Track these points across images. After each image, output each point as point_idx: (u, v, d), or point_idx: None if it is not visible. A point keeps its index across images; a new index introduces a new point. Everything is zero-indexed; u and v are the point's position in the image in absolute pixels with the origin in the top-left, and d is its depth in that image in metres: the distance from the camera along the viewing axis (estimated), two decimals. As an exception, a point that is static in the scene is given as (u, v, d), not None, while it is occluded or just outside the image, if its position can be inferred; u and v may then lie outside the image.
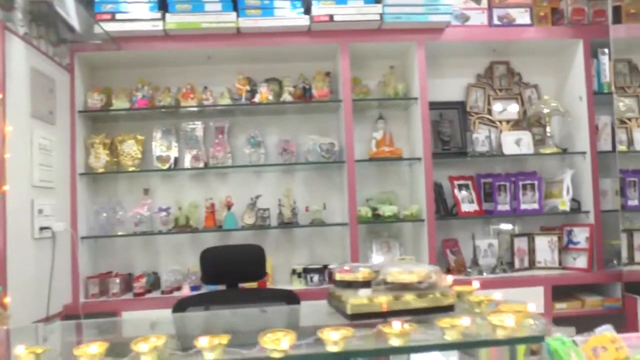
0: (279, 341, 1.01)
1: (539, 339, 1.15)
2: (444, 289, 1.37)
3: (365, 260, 3.48)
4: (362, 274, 1.44)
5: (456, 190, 3.54)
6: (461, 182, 3.58)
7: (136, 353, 1.03)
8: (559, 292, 3.43)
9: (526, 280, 3.38)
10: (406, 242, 3.64)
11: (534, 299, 3.23)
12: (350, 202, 3.33)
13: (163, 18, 3.26)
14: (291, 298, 2.56)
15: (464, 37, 3.49)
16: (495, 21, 3.52)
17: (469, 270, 3.44)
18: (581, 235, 3.56)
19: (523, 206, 3.58)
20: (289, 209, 3.46)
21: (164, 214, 3.45)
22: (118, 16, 3.25)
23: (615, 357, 1.38)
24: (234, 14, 3.27)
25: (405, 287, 1.36)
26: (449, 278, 1.59)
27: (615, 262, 3.52)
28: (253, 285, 3.05)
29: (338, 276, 1.48)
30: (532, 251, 3.62)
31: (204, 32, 3.30)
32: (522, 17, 3.54)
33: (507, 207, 3.57)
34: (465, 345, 1.12)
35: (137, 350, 1.03)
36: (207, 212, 3.45)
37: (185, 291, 3.30)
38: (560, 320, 3.34)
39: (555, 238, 3.60)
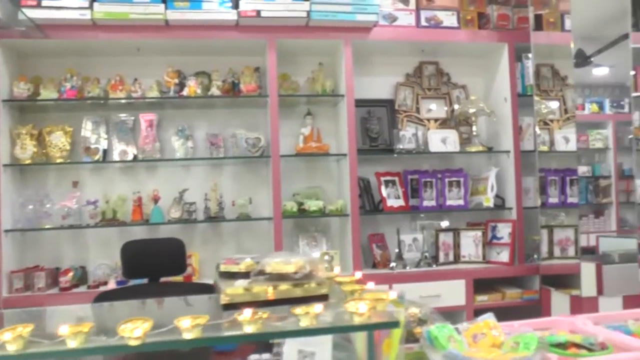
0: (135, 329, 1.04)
1: (393, 324, 1.20)
2: (319, 279, 1.41)
3: (293, 255, 3.53)
4: (244, 264, 1.47)
5: (382, 186, 3.61)
6: (388, 178, 3.66)
7: (2, 342, 1.04)
8: (482, 285, 3.56)
9: (449, 273, 3.50)
10: (333, 237, 3.70)
11: (456, 292, 3.41)
12: (275, 196, 3.37)
13: (91, 7, 3.21)
14: (209, 292, 2.58)
15: (392, 36, 3.57)
16: (423, 22, 3.62)
17: (392, 264, 3.52)
18: (504, 231, 3.71)
19: (449, 202, 3.69)
20: (215, 203, 3.47)
21: (91, 207, 3.41)
22: (44, 3, 3.18)
23: (493, 343, 1.46)
24: (162, 5, 3.25)
25: (282, 277, 1.39)
26: (336, 269, 1.64)
27: (535, 256, 3.66)
28: (178, 279, 3.05)
29: (222, 267, 1.50)
30: (457, 246, 3.74)
31: (133, 23, 3.27)
32: (449, 19, 3.65)
33: (433, 203, 3.68)
34: (320, 332, 1.16)
35: (1, 339, 1.04)
36: (135, 206, 3.43)
37: (112, 286, 3.27)
38: (481, 312, 3.46)
39: (479, 233, 3.72)
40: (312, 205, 3.43)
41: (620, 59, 3.32)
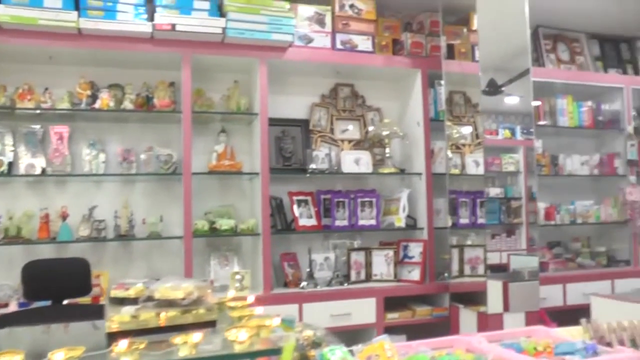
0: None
1: (273, 351, 1.22)
2: (208, 304, 1.40)
3: (203, 274, 3.48)
4: (134, 290, 1.44)
5: (295, 206, 3.63)
6: (300, 197, 3.68)
7: None
8: (394, 303, 3.64)
9: (360, 292, 3.55)
10: (244, 256, 3.67)
11: (367, 310, 3.46)
12: (186, 215, 3.31)
13: (-4, 9, 3.05)
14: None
15: (307, 57, 3.62)
16: (339, 45, 3.70)
17: (303, 283, 3.54)
18: (416, 250, 3.82)
19: (361, 222, 3.76)
20: (126, 220, 3.38)
21: (-8, 223, 3.23)
22: (-60, 0, 3.00)
23: (385, 364, 1.48)
24: (75, 13, 3.14)
25: (171, 303, 1.37)
26: (231, 292, 1.63)
27: (446, 274, 3.78)
28: (86, 300, 2.95)
29: (112, 293, 1.47)
30: (369, 264, 3.80)
31: (43, 30, 3.12)
32: (364, 44, 3.75)
33: (345, 223, 3.73)
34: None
35: None
36: (42, 223, 3.27)
37: (13, 307, 3.10)
38: (391, 329, 3.55)
39: (391, 252, 3.81)
40: (224, 224, 3.40)
41: (526, 90, 3.52)
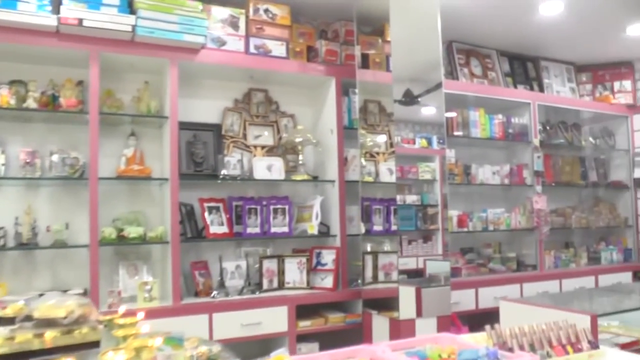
0: None
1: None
2: (92, 323, 1.33)
3: (111, 284, 3.34)
4: (12, 308, 1.34)
5: (206, 212, 3.55)
6: (212, 204, 3.61)
7: None
8: (308, 310, 3.63)
9: (271, 300, 3.51)
10: (154, 265, 3.54)
11: (278, 319, 3.42)
12: (92, 222, 3.15)
13: None
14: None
15: (220, 60, 3.55)
16: (252, 50, 3.66)
17: (215, 292, 3.46)
18: (328, 257, 3.83)
19: (273, 229, 3.73)
20: (28, 228, 3.17)
21: None
22: None
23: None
24: (-32, -1, 2.92)
25: (51, 323, 1.29)
26: (122, 308, 1.55)
27: (359, 281, 3.81)
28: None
29: None
30: (281, 272, 3.77)
31: None
32: (278, 49, 3.73)
33: (257, 230, 3.68)
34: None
35: None
36: None
37: None
38: (304, 337, 3.56)
39: (304, 259, 3.80)
40: (132, 231, 3.27)
41: (439, 102, 3.62)
